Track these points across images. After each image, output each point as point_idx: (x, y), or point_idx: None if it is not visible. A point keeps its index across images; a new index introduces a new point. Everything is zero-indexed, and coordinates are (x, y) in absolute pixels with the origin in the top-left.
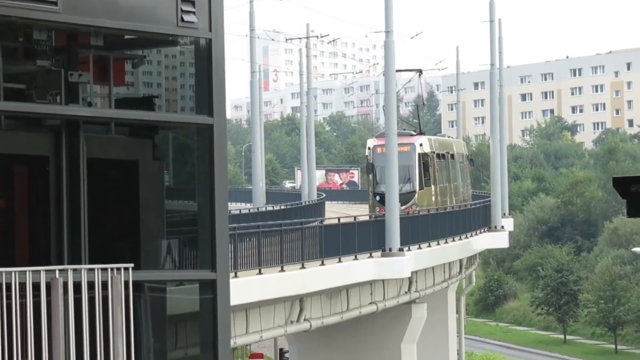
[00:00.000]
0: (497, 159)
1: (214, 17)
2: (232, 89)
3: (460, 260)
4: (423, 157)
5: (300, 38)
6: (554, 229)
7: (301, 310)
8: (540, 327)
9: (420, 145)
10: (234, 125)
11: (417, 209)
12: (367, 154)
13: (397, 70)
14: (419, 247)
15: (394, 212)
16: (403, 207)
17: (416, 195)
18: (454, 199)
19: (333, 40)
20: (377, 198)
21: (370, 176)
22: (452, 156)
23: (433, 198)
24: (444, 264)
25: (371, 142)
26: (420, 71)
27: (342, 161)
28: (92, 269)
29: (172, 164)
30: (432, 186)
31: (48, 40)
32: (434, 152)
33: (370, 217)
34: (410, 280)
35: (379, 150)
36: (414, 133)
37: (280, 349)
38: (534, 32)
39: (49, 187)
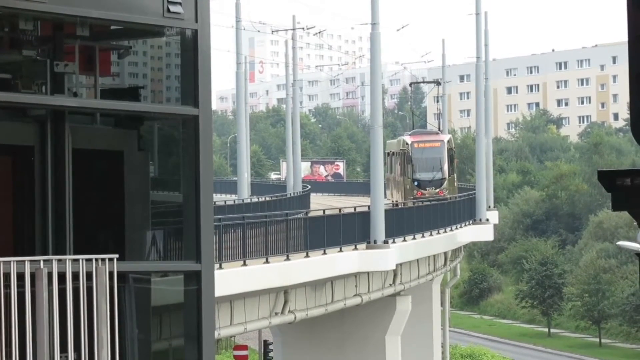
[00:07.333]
0: (482, 152)
1: (200, 8)
2: (217, 80)
3: (445, 253)
4: (450, 151)
5: (286, 30)
6: (539, 222)
7: (285, 302)
8: (524, 320)
9: (448, 141)
10: (220, 116)
11: (446, 192)
12: (402, 147)
13: (417, 83)
14: (404, 240)
15: (378, 204)
16: (435, 190)
17: (446, 182)
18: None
19: (319, 32)
20: (416, 183)
21: (409, 166)
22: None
23: (456, 184)
24: (429, 257)
25: (408, 139)
26: (438, 82)
27: (328, 153)
28: (77, 260)
29: (158, 155)
30: (454, 175)
31: (34, 30)
32: (454, 147)
33: (354, 209)
34: (395, 272)
35: (416, 145)
36: (439, 132)
37: (265, 341)
38: (520, 25)
39: (34, 177)
